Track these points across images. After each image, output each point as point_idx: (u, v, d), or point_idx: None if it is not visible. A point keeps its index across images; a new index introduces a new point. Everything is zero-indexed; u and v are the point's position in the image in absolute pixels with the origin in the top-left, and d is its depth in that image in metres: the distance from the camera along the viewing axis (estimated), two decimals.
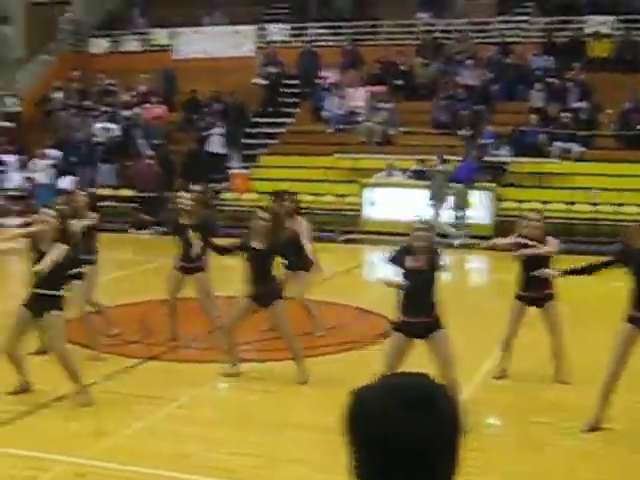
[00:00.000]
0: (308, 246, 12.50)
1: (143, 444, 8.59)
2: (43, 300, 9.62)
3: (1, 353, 9.86)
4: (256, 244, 10.54)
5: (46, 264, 9.54)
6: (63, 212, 10.26)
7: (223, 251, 11.33)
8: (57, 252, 9.56)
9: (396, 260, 9.19)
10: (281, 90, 29.50)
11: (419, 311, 8.97)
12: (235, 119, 27.45)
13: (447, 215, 22.44)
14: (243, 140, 27.75)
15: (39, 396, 10.00)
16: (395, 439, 2.02)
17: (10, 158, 27.86)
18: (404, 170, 24.20)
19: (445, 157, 23.15)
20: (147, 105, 28.66)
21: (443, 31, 30.47)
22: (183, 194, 12.47)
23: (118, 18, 35.25)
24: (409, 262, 8.97)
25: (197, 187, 13.74)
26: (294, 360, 10.74)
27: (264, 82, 29.24)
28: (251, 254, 10.60)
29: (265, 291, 10.54)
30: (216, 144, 26.61)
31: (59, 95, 30.60)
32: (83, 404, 9.67)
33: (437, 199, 22.49)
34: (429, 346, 9.03)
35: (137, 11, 34.93)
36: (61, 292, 9.79)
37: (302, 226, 12.73)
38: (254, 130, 28.40)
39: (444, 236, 21.52)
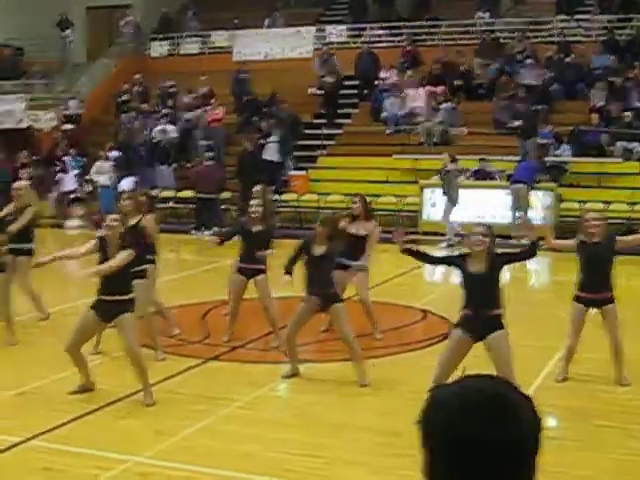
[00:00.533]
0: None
1: (203, 444, 8.63)
2: (115, 305, 9.72)
3: (65, 351, 9.99)
4: (316, 249, 10.57)
5: (104, 268, 9.65)
6: (125, 216, 10.33)
7: None
8: (121, 258, 9.65)
9: (453, 261, 9.25)
10: (340, 92, 29.48)
11: (481, 312, 8.93)
12: (290, 128, 27.42)
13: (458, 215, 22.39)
14: (300, 142, 27.79)
15: (101, 396, 10.10)
16: (462, 444, 2.01)
17: (72, 160, 28.17)
18: (465, 171, 24.08)
19: (455, 156, 23.05)
20: (207, 107, 28.81)
21: (502, 30, 30.28)
22: (254, 200, 12.53)
23: (173, 21, 35.48)
24: (470, 266, 8.95)
25: (257, 188, 13.74)
26: (353, 362, 10.71)
27: (320, 92, 29.24)
28: (310, 259, 10.63)
29: (324, 296, 10.55)
30: (271, 152, 26.57)
31: (121, 98, 30.93)
32: (145, 404, 9.75)
33: (449, 199, 22.46)
34: (488, 347, 8.97)
35: (190, 14, 35.16)
36: (131, 295, 9.88)
37: (370, 228, 12.72)
38: (313, 131, 28.45)
39: (506, 237, 21.41)
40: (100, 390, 10.26)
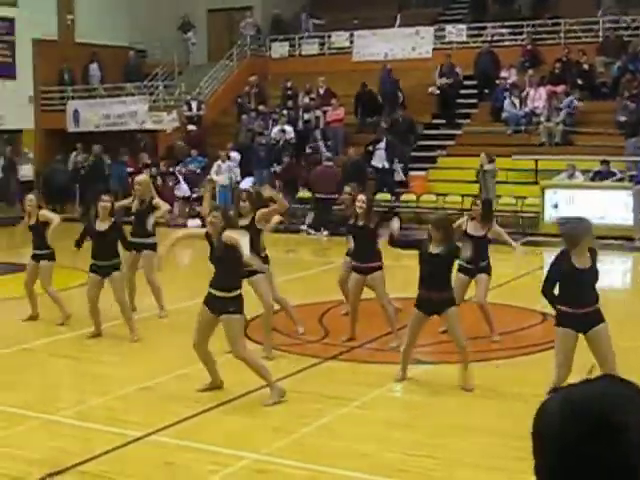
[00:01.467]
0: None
1: (321, 442, 8.66)
2: (221, 301, 9.79)
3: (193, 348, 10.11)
4: (433, 248, 10.35)
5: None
6: (226, 212, 10.30)
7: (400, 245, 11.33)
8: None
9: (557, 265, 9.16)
10: (459, 92, 29.30)
11: (580, 304, 8.90)
12: (405, 132, 27.31)
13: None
14: (419, 143, 27.75)
15: (221, 393, 10.20)
16: (566, 456, 2.00)
17: (192, 161, 28.66)
18: (586, 171, 23.71)
19: (493, 157, 22.73)
20: (327, 107, 28.91)
21: (627, 28, 29.66)
22: (360, 196, 12.50)
23: (284, 22, 35.69)
24: (575, 261, 8.86)
25: (347, 190, 13.75)
26: (461, 366, 10.57)
27: (438, 92, 29.06)
28: (427, 259, 10.38)
29: (440, 299, 10.28)
30: (379, 158, 26.48)
31: (241, 99, 31.28)
32: (267, 403, 9.80)
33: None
34: (589, 340, 8.91)
35: (304, 15, 35.33)
36: (238, 293, 9.92)
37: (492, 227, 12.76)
38: (432, 131, 28.36)
39: (629, 239, 21.11)
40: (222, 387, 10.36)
